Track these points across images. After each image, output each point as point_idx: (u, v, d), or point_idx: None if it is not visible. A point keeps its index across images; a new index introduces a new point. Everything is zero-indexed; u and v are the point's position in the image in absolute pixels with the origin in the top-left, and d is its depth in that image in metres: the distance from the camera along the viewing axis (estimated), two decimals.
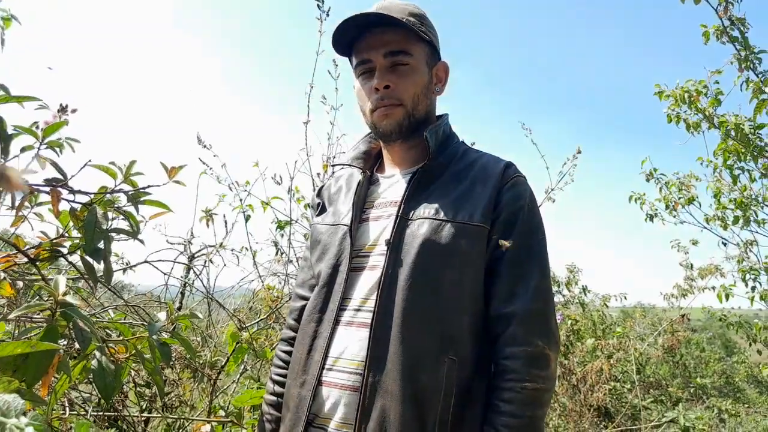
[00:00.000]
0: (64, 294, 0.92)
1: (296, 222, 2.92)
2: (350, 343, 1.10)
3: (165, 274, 2.19)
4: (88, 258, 1.05)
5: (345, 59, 1.31)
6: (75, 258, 1.13)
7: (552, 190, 2.98)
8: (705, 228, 4.40)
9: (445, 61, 1.29)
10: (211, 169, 2.74)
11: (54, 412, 1.47)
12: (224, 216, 2.76)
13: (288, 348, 1.31)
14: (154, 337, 1.07)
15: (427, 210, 1.14)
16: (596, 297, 5.56)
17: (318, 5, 2.27)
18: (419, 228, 1.12)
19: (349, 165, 1.33)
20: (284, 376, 1.26)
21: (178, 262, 2.42)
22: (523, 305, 1.07)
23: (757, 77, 3.23)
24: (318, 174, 2.81)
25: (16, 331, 1.34)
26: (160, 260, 1.84)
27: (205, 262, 2.57)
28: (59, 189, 1.00)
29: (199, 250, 2.68)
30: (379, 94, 1.19)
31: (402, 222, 1.15)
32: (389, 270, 1.10)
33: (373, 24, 1.18)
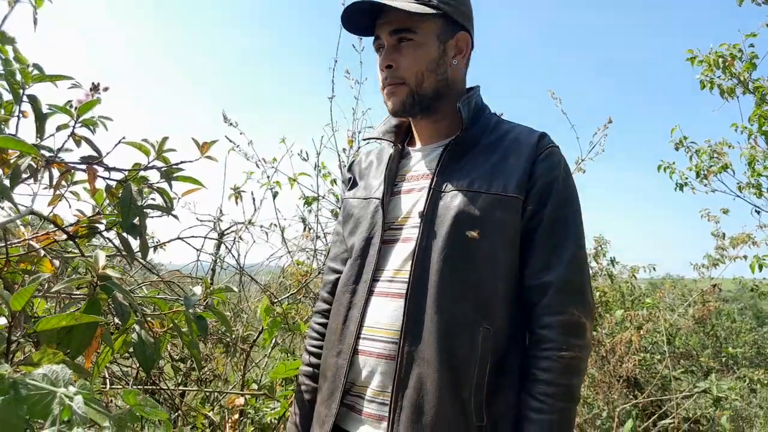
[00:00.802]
0: (104, 268, 0.94)
1: (323, 198, 2.93)
2: (385, 313, 1.11)
3: (197, 250, 2.23)
4: (124, 234, 1.07)
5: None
6: (111, 235, 1.16)
7: (582, 160, 2.93)
8: (738, 196, 4.29)
9: (465, 32, 1.23)
10: (238, 146, 2.76)
11: (94, 385, 1.51)
12: (252, 193, 2.78)
13: (322, 320, 1.33)
14: (191, 311, 1.09)
15: (460, 182, 1.13)
16: (624, 268, 5.50)
17: None
18: (453, 200, 1.12)
19: (380, 139, 1.33)
20: (319, 347, 1.28)
21: (210, 238, 2.45)
22: (559, 275, 1.07)
23: None
24: (344, 149, 2.81)
25: (57, 308, 1.38)
26: (192, 236, 1.86)
27: (235, 239, 2.60)
28: (95, 167, 1.02)
29: (229, 227, 2.71)
30: (384, 74, 1.20)
31: (435, 194, 1.14)
32: (423, 242, 1.11)
33: (380, 5, 1.16)
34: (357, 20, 1.21)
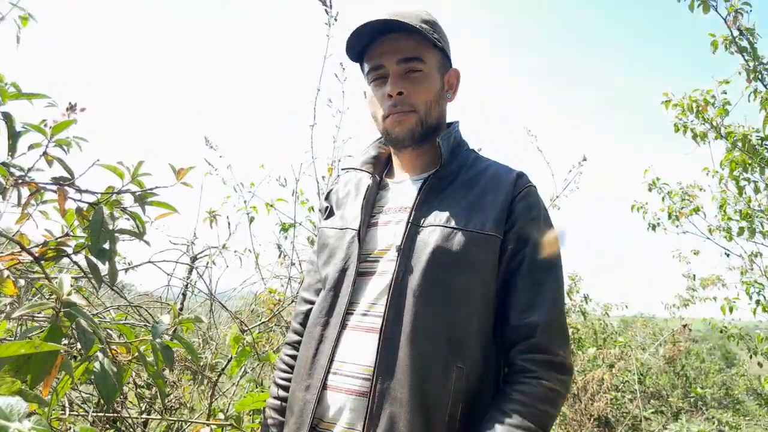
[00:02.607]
0: (69, 294, 0.91)
1: (300, 225, 2.91)
2: (358, 348, 1.09)
3: (168, 274, 2.18)
4: (92, 258, 1.03)
5: (351, 63, 1.30)
6: (79, 257, 1.12)
7: (557, 197, 2.97)
8: (708, 239, 4.38)
9: (456, 68, 1.29)
10: (216, 170, 2.74)
11: (54, 412, 1.46)
12: (228, 217, 2.75)
13: (293, 352, 1.30)
14: (157, 340, 1.06)
15: (438, 217, 1.13)
16: (597, 306, 5.55)
17: (326, 10, 2.27)
18: (430, 235, 1.11)
19: (359, 169, 1.32)
20: (288, 380, 1.25)
21: (181, 263, 2.40)
22: (544, 316, 1.06)
23: (766, 88, 3.22)
24: (323, 177, 2.80)
25: (18, 330, 1.33)
26: (163, 260, 1.82)
27: (208, 263, 2.56)
28: (66, 188, 0.99)
29: (202, 251, 2.66)
30: (392, 101, 1.18)
31: (413, 228, 1.14)
32: (399, 276, 1.09)
33: (387, 30, 1.18)
34: (355, 42, 1.21)
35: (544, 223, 1.15)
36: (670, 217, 4.47)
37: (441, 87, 1.23)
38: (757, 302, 3.99)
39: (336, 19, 2.34)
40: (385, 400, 1.02)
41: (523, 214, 1.13)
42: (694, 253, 5.16)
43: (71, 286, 0.93)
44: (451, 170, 1.21)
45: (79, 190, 1.03)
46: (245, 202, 2.82)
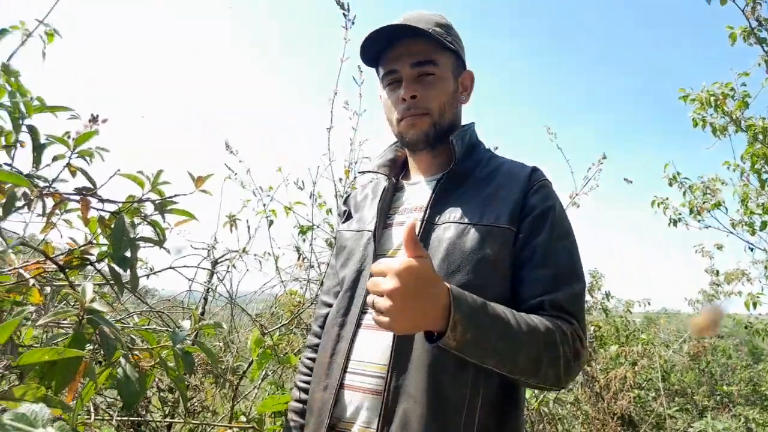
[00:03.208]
0: (91, 301, 0.93)
1: (318, 227, 2.93)
2: (373, 347, 1.10)
3: (189, 279, 2.21)
4: (114, 266, 1.06)
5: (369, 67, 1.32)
6: (102, 265, 1.15)
7: (577, 195, 2.95)
8: (731, 233, 4.31)
9: (470, 70, 1.30)
10: (235, 174, 2.77)
11: (79, 417, 1.48)
12: (247, 221, 2.78)
13: (313, 355, 1.32)
14: (178, 346, 1.08)
15: (452, 214, 1.14)
16: (619, 302, 5.49)
17: (344, 14, 2.28)
18: (445, 232, 1.12)
19: (376, 172, 1.34)
20: (309, 382, 1.26)
21: (202, 268, 2.43)
22: (564, 294, 1.06)
23: None
24: (340, 179, 2.82)
25: (44, 337, 1.36)
26: (184, 266, 1.85)
27: (228, 267, 2.59)
28: (89, 198, 1.02)
29: (222, 255, 2.69)
30: (406, 104, 1.20)
31: (428, 226, 1.15)
32: None
33: (401, 35, 1.19)
34: (370, 48, 1.22)
35: (559, 214, 1.15)
36: (691, 212, 4.41)
37: (455, 89, 1.24)
38: None
39: (353, 23, 2.36)
40: (399, 397, 1.03)
41: (538, 204, 1.13)
42: (718, 248, 5.08)
43: (94, 293, 0.95)
44: (465, 169, 1.22)
45: (101, 200, 1.05)
46: (264, 205, 2.84)
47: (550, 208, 1.13)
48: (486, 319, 0.94)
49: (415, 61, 1.18)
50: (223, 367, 2.27)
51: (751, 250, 4.31)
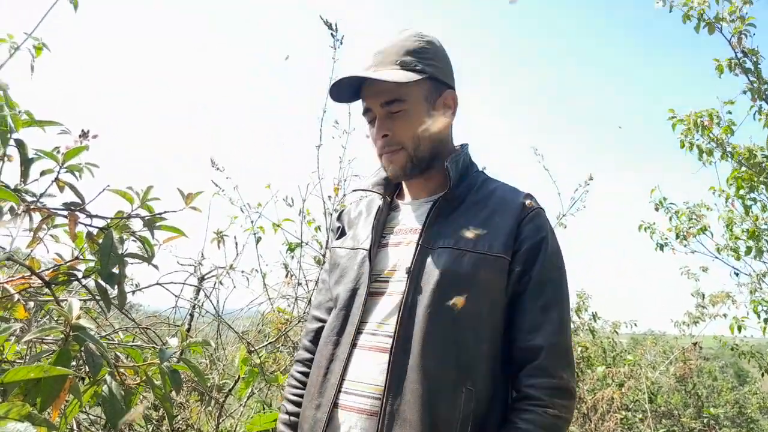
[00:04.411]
0: (78, 318, 0.92)
1: (306, 244, 2.92)
2: (368, 367, 1.10)
3: (176, 296, 2.19)
4: (101, 282, 1.05)
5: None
6: (88, 281, 1.14)
7: (563, 216, 2.97)
8: (717, 258, 4.36)
9: (451, 90, 1.26)
10: (223, 190, 2.76)
11: None
12: (235, 238, 2.76)
13: (303, 369, 1.31)
14: (165, 364, 1.07)
15: (447, 239, 1.15)
16: (606, 323, 5.50)
17: (332, 34, 2.31)
18: (440, 257, 1.13)
19: (370, 190, 1.34)
20: (300, 396, 1.26)
21: (188, 284, 2.42)
22: (549, 338, 1.08)
23: None
24: (329, 197, 2.82)
25: (29, 352, 1.34)
26: (171, 282, 1.84)
27: (215, 283, 2.57)
28: (77, 213, 1.01)
29: (210, 272, 2.68)
30: (381, 142, 1.22)
31: (423, 250, 1.15)
32: (409, 297, 1.11)
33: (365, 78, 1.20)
34: (343, 91, 1.24)
35: (552, 245, 1.16)
36: (677, 237, 4.46)
37: (429, 116, 1.21)
38: (766, 321, 3.96)
39: (341, 43, 2.38)
40: (395, 422, 1.03)
41: (532, 235, 1.15)
42: (703, 270, 5.12)
43: (80, 308, 0.95)
44: (459, 192, 1.22)
45: (90, 215, 1.05)
46: (252, 222, 2.84)
47: (543, 240, 1.15)
48: None
49: (383, 100, 1.19)
50: (208, 384, 2.25)
51: (737, 275, 4.37)
